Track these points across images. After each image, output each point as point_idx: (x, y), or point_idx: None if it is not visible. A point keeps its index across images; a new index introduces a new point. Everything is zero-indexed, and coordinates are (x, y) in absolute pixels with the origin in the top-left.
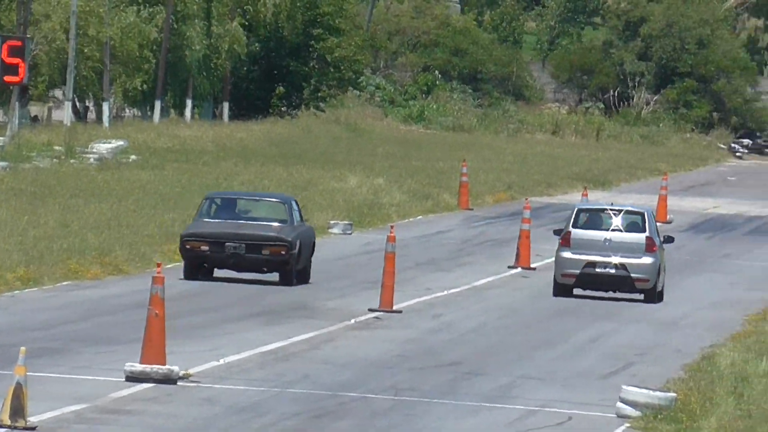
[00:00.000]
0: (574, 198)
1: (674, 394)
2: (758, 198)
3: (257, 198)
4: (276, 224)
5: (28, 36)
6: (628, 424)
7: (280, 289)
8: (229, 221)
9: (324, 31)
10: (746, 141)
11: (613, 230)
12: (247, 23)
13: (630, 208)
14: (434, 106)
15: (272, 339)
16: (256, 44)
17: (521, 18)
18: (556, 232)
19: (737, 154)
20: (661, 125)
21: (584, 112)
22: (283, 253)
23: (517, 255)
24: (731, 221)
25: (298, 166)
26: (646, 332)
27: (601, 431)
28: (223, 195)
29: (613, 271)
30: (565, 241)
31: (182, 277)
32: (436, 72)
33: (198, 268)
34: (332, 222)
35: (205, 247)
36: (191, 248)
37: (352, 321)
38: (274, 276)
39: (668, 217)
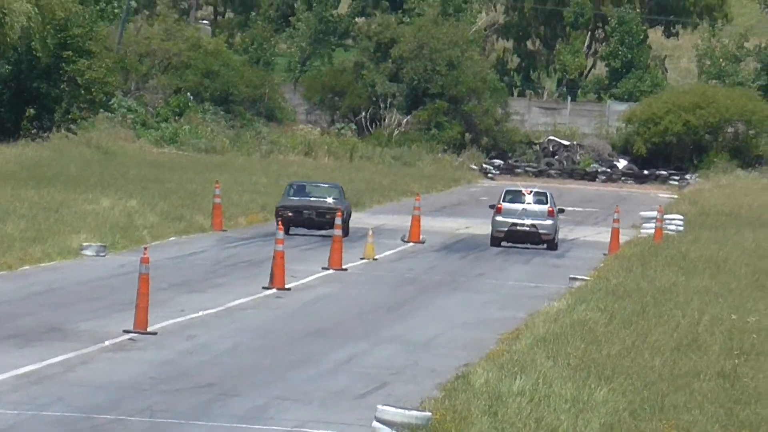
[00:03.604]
0: None
1: (430, 413)
2: None
3: (319, 184)
4: (331, 200)
5: None
6: None
7: (31, 311)
8: (304, 198)
9: (74, 53)
10: (497, 162)
11: (527, 203)
12: None
13: (537, 190)
14: (187, 128)
15: (25, 362)
16: (6, 66)
17: (272, 40)
18: (491, 206)
19: (489, 174)
20: (413, 146)
21: (337, 133)
22: (339, 216)
23: (272, 276)
24: (484, 241)
25: (49, 189)
26: (400, 352)
27: None
28: (298, 182)
29: (527, 229)
30: (498, 211)
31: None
32: (188, 94)
33: (286, 227)
34: (85, 244)
35: (290, 214)
36: (282, 214)
37: (107, 343)
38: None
39: (421, 237)
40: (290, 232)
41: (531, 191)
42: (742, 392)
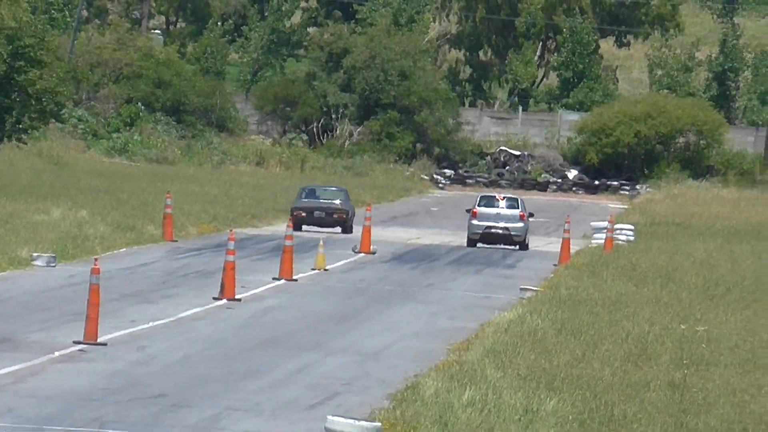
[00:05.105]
0: (280, 229)
1: (379, 424)
2: (460, 228)
3: (328, 188)
4: (338, 201)
5: None
6: None
7: None
8: (313, 200)
9: (26, 63)
10: (448, 172)
11: (500, 208)
12: None
13: (510, 196)
14: (138, 138)
15: None
16: None
17: (224, 50)
18: (468, 210)
19: (440, 185)
20: (364, 156)
21: (288, 143)
22: (344, 216)
23: (222, 287)
24: (434, 251)
25: None
26: (350, 363)
27: None
28: (310, 186)
29: (500, 231)
30: (474, 215)
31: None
32: (139, 104)
33: (299, 225)
34: (35, 255)
35: (303, 214)
36: (296, 214)
37: (56, 354)
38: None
39: (372, 248)
40: (302, 229)
41: (504, 197)
42: (692, 402)
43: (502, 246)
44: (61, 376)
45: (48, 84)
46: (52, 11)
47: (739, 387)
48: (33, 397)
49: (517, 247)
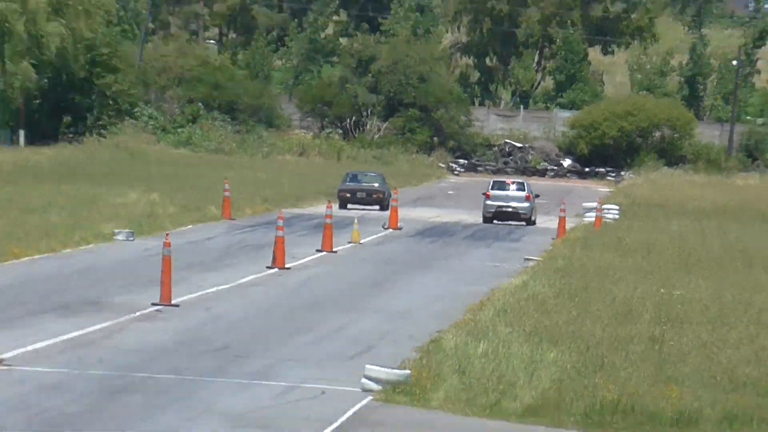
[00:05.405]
0: (320, 209)
1: (409, 371)
2: (473, 209)
3: (368, 173)
4: (377, 184)
5: None
6: (371, 397)
7: (73, 287)
8: (356, 183)
9: (103, 69)
10: (462, 161)
11: (509, 191)
12: (36, 62)
13: (517, 180)
14: (199, 133)
15: (70, 329)
16: (45, 80)
17: (269, 58)
18: (483, 193)
19: (455, 172)
20: (390, 148)
21: (326, 137)
22: (381, 196)
23: (274, 257)
24: (452, 228)
25: (84, 185)
26: (383, 321)
27: (349, 403)
28: (353, 172)
29: (510, 210)
30: (488, 197)
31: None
32: (200, 104)
33: (344, 204)
34: (117, 231)
35: (348, 194)
36: (342, 195)
37: (137, 313)
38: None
39: (399, 225)
40: (348, 208)
41: (513, 181)
42: (669, 354)
43: (513, 222)
44: (141, 332)
45: (122, 87)
46: (123, 24)
47: (708, 341)
48: (119, 350)
49: (524, 223)
